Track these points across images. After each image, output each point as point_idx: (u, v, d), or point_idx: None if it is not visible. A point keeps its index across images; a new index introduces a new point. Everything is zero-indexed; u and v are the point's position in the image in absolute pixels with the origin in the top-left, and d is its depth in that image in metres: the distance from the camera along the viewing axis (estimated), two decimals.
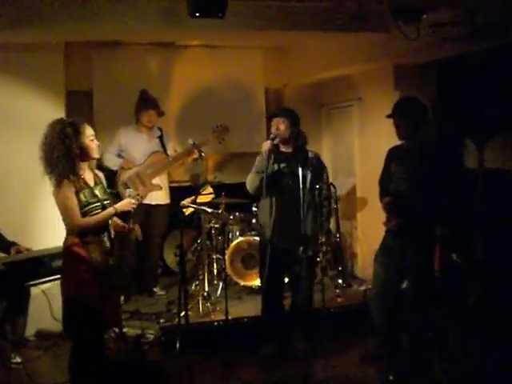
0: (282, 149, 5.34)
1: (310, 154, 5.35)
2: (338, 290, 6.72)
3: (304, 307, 5.40)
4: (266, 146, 5.23)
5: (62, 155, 4.00)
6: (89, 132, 4.16)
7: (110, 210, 4.17)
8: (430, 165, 4.92)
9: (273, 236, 5.24)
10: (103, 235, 4.15)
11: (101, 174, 4.42)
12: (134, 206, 4.27)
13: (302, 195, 5.05)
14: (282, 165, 5.31)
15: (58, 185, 4.03)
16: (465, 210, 5.73)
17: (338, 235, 7.24)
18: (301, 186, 5.04)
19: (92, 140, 4.16)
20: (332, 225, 7.62)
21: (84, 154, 4.13)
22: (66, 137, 4.02)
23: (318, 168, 5.32)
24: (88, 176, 4.22)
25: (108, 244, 4.17)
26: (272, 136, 5.26)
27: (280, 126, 5.26)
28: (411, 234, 4.93)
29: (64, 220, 4.07)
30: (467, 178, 6.08)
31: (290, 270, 5.41)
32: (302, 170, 5.12)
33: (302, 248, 5.07)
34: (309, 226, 5.21)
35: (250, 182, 5.35)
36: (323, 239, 5.35)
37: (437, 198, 4.90)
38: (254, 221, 6.87)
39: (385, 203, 5.09)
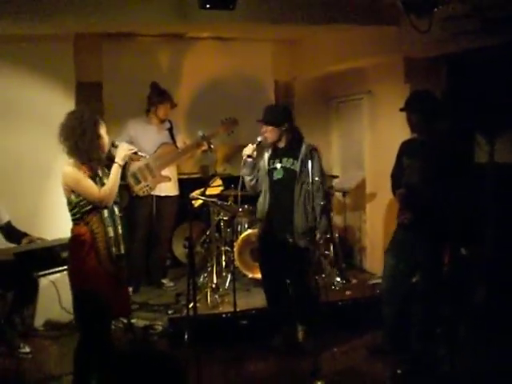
0: (277, 145, 5.41)
1: (303, 148, 5.35)
2: (337, 288, 6.71)
3: (301, 298, 5.41)
4: (247, 151, 5.34)
5: (94, 139, 4.09)
6: (105, 129, 4.22)
7: (115, 166, 4.20)
8: (442, 158, 4.91)
9: (266, 229, 5.40)
10: (108, 226, 4.16)
11: (107, 170, 4.42)
12: (132, 149, 4.30)
13: (293, 188, 5.21)
14: (276, 160, 5.40)
15: (75, 165, 4.07)
16: (475, 204, 5.72)
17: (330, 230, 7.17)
18: (292, 179, 5.21)
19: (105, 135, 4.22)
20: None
21: (101, 146, 4.18)
22: (95, 123, 4.11)
23: (309, 160, 5.29)
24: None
25: (112, 234, 4.17)
26: (258, 140, 5.35)
27: (265, 131, 5.34)
28: (422, 227, 4.93)
29: (87, 198, 4.07)
30: (477, 173, 6.05)
31: (285, 261, 5.43)
32: (293, 164, 5.27)
33: (292, 239, 5.17)
34: (300, 217, 5.26)
35: (246, 185, 5.55)
36: (319, 234, 5.35)
37: (447, 191, 4.89)
38: None
39: (399, 194, 5.09)
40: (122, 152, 4.24)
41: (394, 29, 5.79)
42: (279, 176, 5.37)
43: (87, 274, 4.07)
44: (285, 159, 5.35)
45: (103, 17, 5.29)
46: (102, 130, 4.17)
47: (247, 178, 5.46)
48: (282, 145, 5.40)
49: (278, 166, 5.38)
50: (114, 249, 4.17)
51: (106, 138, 4.20)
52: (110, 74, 7.30)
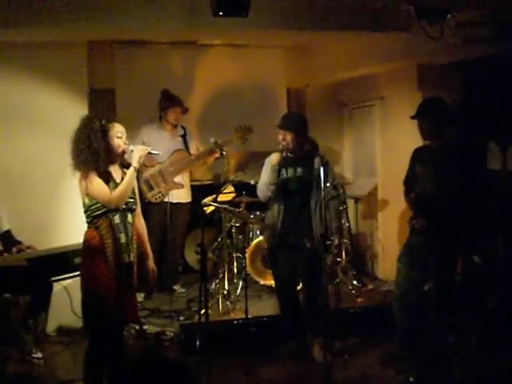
0: (288, 154, 5.39)
1: (316, 157, 5.34)
2: (353, 291, 6.72)
3: (313, 304, 5.37)
4: (276, 159, 5.30)
5: (86, 148, 4.07)
6: (116, 130, 4.20)
7: (130, 169, 4.22)
8: (454, 165, 4.90)
9: (280, 236, 5.37)
10: (120, 232, 4.17)
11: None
12: (146, 149, 4.32)
13: (307, 197, 5.23)
14: (289, 169, 5.38)
15: (84, 176, 4.08)
16: (487, 211, 5.69)
17: (349, 235, 7.20)
18: (306, 188, 5.21)
19: (120, 137, 4.19)
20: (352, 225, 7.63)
21: (110, 151, 4.17)
22: (91, 131, 4.09)
23: (324, 168, 5.27)
24: (116, 173, 4.25)
25: (124, 241, 4.18)
26: (281, 148, 5.33)
27: (286, 137, 5.31)
28: (435, 234, 4.91)
29: (99, 199, 4.10)
30: (490, 180, 6.03)
31: (299, 267, 5.41)
32: (309, 173, 5.27)
33: (308, 244, 5.18)
34: (318, 224, 5.25)
35: (262, 193, 5.46)
36: (336, 240, 5.38)
37: (460, 199, 4.87)
38: None
39: (410, 199, 5.08)
40: (137, 154, 4.25)
41: (406, 35, 5.78)
42: (295, 185, 5.36)
43: (95, 277, 4.08)
44: (299, 168, 5.35)
45: (116, 24, 5.31)
46: (111, 135, 4.16)
47: (270, 187, 5.36)
48: (296, 153, 5.38)
49: (293, 175, 5.37)
50: (124, 255, 4.18)
51: (116, 143, 4.18)
52: (122, 81, 7.32)
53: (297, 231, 5.31)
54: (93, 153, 4.06)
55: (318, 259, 5.20)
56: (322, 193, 4.92)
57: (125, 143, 4.23)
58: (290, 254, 5.39)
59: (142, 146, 4.37)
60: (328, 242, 5.22)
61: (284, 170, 5.39)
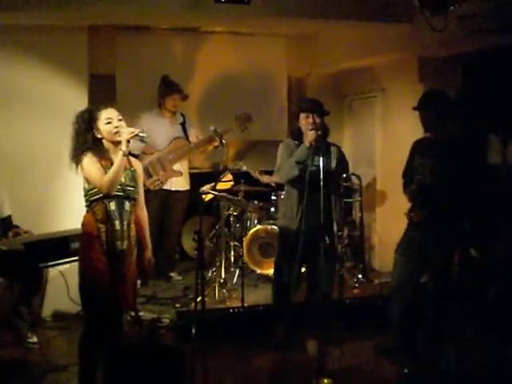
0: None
1: (333, 146, 5.27)
2: (357, 285, 6.69)
3: (323, 300, 5.24)
4: (312, 136, 5.09)
5: (76, 138, 4.14)
6: (104, 116, 4.15)
7: (119, 153, 4.09)
8: (454, 158, 4.89)
9: (300, 226, 5.18)
10: (115, 219, 4.16)
11: (137, 163, 4.41)
12: (133, 132, 4.14)
13: (326, 189, 4.88)
14: (308, 158, 5.12)
15: (80, 162, 4.09)
16: (486, 205, 5.69)
17: (360, 228, 7.19)
18: (325, 179, 4.84)
19: (108, 123, 4.13)
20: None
21: (102, 138, 4.16)
22: (78, 125, 4.15)
23: (341, 160, 5.26)
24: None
25: (118, 228, 4.15)
26: (311, 128, 5.12)
27: (316, 121, 5.13)
28: (433, 226, 4.91)
29: (93, 184, 4.10)
30: (490, 173, 6.02)
31: (313, 261, 5.22)
32: (326, 162, 4.98)
33: (327, 238, 4.99)
34: (337, 217, 5.19)
35: (288, 171, 5.23)
36: (346, 231, 5.30)
37: (459, 192, 4.86)
38: (272, 209, 6.88)
39: (410, 191, 5.05)
40: (124, 137, 4.12)
41: (408, 26, 5.76)
42: (313, 176, 4.99)
43: (92, 261, 4.09)
44: (317, 158, 5.02)
45: (118, 8, 5.28)
46: (99, 122, 4.14)
47: (298, 166, 5.13)
48: (318, 141, 5.14)
49: (311, 164, 5.08)
50: (118, 242, 4.16)
51: (105, 128, 4.14)
52: (123, 67, 7.29)
53: (315, 224, 4.97)
54: (82, 143, 4.11)
55: (333, 254, 5.13)
56: (343, 184, 4.85)
57: (116, 127, 4.15)
58: (305, 248, 5.08)
59: (129, 129, 4.18)
60: (339, 233, 5.17)
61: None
